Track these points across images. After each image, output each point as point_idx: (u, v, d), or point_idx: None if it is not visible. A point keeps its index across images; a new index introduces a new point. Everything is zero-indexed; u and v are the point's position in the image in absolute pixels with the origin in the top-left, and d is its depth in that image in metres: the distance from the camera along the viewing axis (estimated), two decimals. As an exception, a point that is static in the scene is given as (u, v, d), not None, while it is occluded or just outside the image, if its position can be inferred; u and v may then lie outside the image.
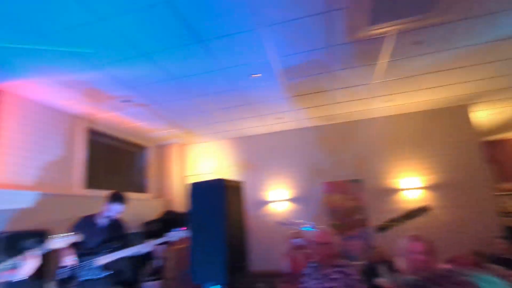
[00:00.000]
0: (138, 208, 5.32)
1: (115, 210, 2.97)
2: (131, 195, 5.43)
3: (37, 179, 3.84)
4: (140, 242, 2.95)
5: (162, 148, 6.59)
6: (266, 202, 5.92)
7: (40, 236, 3.04)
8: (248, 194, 5.46)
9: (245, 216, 3.02)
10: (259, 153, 6.23)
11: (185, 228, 3.10)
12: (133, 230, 4.86)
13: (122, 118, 4.87)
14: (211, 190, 2.67)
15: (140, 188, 5.99)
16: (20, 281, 1.95)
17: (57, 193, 3.91)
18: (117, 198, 3.00)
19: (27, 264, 1.94)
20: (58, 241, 2.10)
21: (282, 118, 5.44)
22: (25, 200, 3.46)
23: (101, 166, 5.05)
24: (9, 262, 1.87)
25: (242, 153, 6.34)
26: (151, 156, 6.32)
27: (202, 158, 6.56)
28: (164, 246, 4.55)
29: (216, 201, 2.60)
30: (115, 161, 5.45)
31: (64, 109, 4.31)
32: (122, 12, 2.54)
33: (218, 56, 3.28)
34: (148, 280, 4.12)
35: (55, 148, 4.17)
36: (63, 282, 2.61)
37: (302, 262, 3.49)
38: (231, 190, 2.81)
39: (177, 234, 3.07)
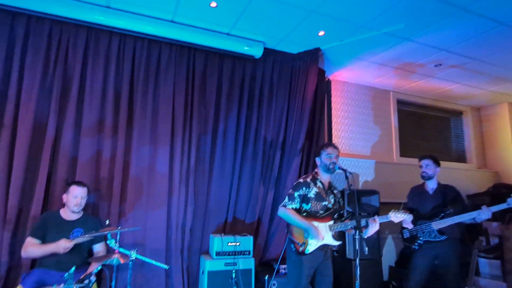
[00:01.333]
0: (458, 179, 4.90)
1: (424, 166, 3.08)
2: (448, 164, 5.13)
3: (366, 149, 4.55)
4: (475, 209, 2.76)
5: (484, 110, 5.60)
6: None
7: (372, 194, 3.61)
8: None
9: None
10: None
11: None
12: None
13: (431, 84, 4.63)
14: None
15: (459, 157, 5.46)
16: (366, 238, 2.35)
17: (380, 161, 4.44)
18: (421, 156, 3.15)
19: (373, 227, 2.34)
20: (396, 216, 2.39)
21: None
22: (358, 165, 4.24)
23: (411, 135, 5.12)
24: (364, 220, 2.33)
25: None
26: (470, 121, 5.56)
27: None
28: (498, 223, 3.92)
29: None
30: (425, 129, 5.31)
31: (377, 85, 4.75)
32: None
33: None
34: (484, 257, 3.73)
35: (373, 122, 4.72)
36: (407, 240, 3.09)
37: None
38: None
39: None
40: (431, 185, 3.10)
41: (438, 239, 2.87)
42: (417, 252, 3.01)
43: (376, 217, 2.36)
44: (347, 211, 2.59)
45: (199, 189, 3.30)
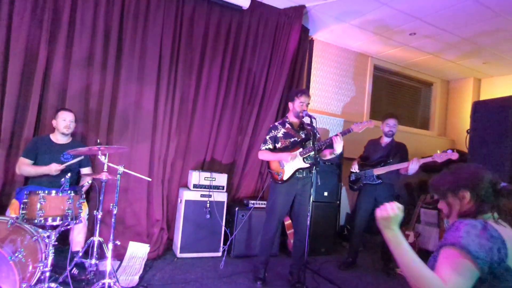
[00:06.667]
0: (418, 143, 5.40)
1: (392, 125, 3.44)
2: (413, 130, 5.61)
3: (338, 108, 4.91)
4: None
5: (451, 83, 6.02)
6: None
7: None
8: None
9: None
10: None
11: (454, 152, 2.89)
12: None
13: (406, 53, 4.92)
14: (498, 107, 2.35)
15: (423, 124, 5.95)
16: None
17: (350, 120, 4.82)
18: (389, 114, 3.55)
19: (338, 142, 2.60)
20: (358, 127, 2.75)
21: None
22: (331, 123, 4.64)
23: (383, 100, 5.50)
24: (328, 139, 2.65)
25: None
26: (437, 92, 5.98)
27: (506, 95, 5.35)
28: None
29: (502, 119, 2.28)
30: (397, 96, 5.70)
31: (356, 49, 5.01)
32: None
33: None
34: (425, 207, 4.33)
35: (349, 84, 5.03)
36: (352, 182, 3.61)
37: None
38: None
39: (444, 156, 2.93)
40: (386, 140, 3.54)
41: (375, 183, 3.37)
42: (360, 194, 3.55)
43: (338, 133, 2.66)
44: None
45: (181, 128, 3.58)
